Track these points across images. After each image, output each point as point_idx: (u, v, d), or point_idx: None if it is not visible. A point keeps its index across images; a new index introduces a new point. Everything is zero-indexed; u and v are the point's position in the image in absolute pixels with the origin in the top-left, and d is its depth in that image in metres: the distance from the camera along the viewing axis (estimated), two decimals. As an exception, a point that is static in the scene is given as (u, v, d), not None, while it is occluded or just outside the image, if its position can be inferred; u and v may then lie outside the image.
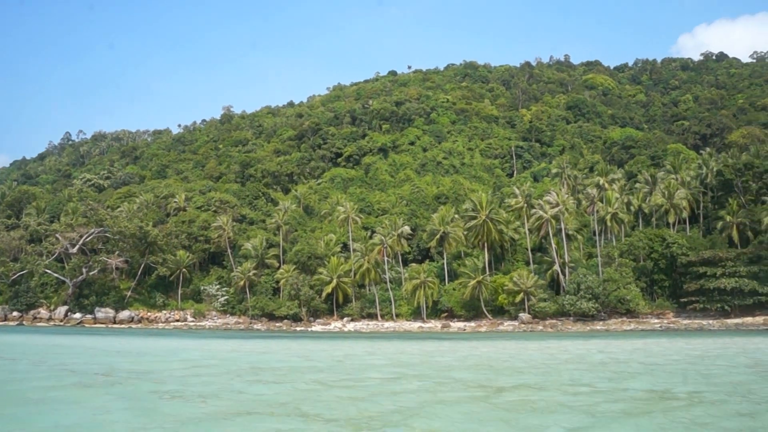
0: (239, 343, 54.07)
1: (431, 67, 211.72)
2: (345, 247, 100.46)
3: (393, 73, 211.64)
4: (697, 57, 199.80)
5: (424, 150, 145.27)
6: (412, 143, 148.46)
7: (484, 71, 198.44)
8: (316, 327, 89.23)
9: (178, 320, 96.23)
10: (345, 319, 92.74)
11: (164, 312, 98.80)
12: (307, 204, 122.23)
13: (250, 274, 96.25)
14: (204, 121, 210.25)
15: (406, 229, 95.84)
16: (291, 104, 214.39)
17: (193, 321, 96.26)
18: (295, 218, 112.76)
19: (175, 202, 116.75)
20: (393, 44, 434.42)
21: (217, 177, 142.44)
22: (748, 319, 68.10)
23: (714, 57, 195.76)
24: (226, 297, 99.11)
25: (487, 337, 62.59)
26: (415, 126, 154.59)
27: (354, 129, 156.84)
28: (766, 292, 68.30)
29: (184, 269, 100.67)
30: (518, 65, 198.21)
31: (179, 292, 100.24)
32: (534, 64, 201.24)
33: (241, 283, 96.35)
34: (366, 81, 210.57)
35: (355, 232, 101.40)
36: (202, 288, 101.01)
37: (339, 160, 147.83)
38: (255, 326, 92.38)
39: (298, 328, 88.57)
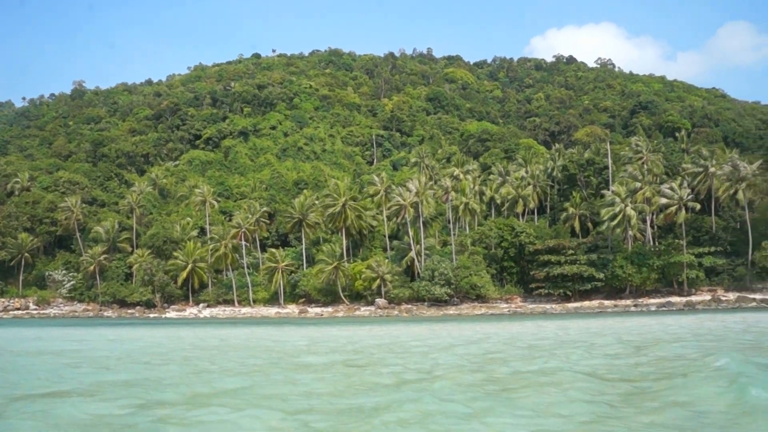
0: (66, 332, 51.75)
1: (296, 52, 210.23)
2: (202, 231, 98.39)
3: (257, 55, 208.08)
4: (549, 59, 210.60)
5: (286, 135, 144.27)
6: (273, 128, 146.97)
7: (348, 59, 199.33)
8: (171, 313, 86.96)
9: (18, 308, 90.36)
10: (201, 305, 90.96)
11: (1, 300, 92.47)
12: (163, 186, 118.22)
13: (101, 258, 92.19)
14: (53, 95, 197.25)
15: (265, 213, 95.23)
16: (149, 82, 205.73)
17: (36, 309, 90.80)
18: (150, 201, 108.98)
19: (17, 181, 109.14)
20: (258, 26, 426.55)
21: (66, 156, 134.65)
22: (586, 303, 73.25)
23: (564, 60, 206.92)
24: (73, 283, 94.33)
25: (347, 321, 63.49)
26: (278, 110, 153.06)
27: (214, 111, 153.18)
28: (601, 278, 73.67)
29: (26, 253, 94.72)
30: (382, 55, 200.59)
31: (20, 278, 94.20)
32: (398, 55, 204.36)
33: (91, 268, 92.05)
34: (229, 62, 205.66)
35: (212, 216, 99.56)
36: (46, 273, 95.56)
37: (198, 142, 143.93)
38: (105, 313, 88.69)
39: (151, 315, 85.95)
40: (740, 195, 73.85)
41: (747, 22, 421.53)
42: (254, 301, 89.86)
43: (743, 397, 11.03)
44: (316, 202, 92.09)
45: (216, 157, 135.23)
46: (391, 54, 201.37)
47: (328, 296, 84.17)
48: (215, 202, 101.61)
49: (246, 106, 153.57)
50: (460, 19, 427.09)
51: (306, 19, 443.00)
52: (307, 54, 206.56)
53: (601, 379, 14.55)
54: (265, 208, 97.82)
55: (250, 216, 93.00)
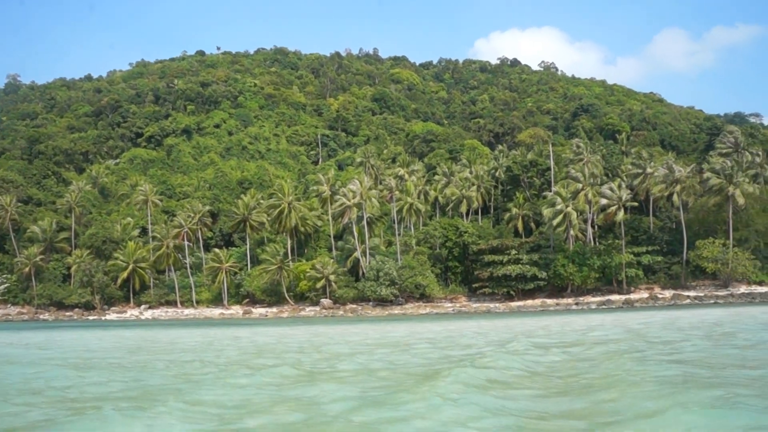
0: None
1: (241, 49, 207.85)
2: (144, 231, 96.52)
3: (201, 53, 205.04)
4: (494, 61, 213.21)
5: (230, 134, 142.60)
6: (217, 126, 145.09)
7: (294, 58, 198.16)
8: (111, 315, 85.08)
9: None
10: (142, 306, 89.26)
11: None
12: (103, 185, 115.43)
13: (37, 259, 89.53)
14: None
15: (209, 213, 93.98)
16: (89, 78, 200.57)
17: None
18: (89, 200, 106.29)
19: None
20: (202, 23, 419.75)
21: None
22: (529, 302, 74.40)
23: (509, 62, 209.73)
24: (7, 285, 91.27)
25: (293, 322, 63.06)
26: (222, 109, 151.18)
27: (157, 108, 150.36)
28: (544, 277, 74.96)
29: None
30: (328, 55, 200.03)
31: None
32: (344, 54, 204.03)
33: (26, 269, 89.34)
34: (172, 59, 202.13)
35: (154, 215, 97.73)
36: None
37: (140, 140, 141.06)
38: (41, 316, 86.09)
39: (90, 317, 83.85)
40: (675, 196, 76.05)
41: (681, 29, 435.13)
42: (197, 302, 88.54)
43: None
44: (261, 201, 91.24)
45: (158, 155, 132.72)
46: (337, 54, 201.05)
47: (273, 297, 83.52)
48: (158, 202, 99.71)
49: (189, 104, 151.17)
50: (406, 20, 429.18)
51: (251, 17, 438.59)
52: (252, 52, 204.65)
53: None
54: (208, 208, 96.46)
55: (193, 215, 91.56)
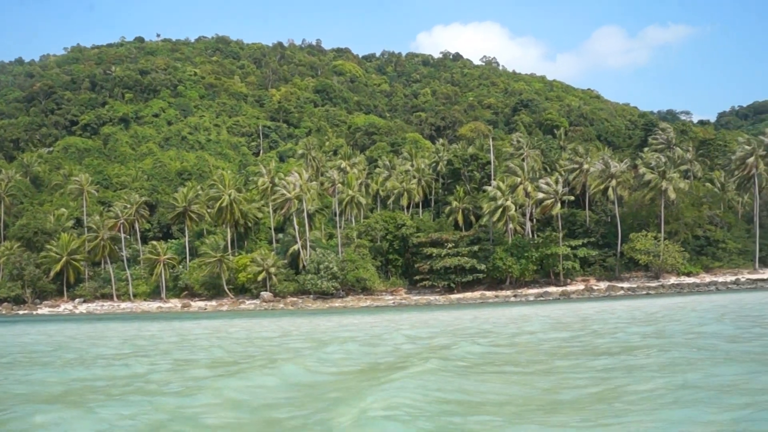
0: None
1: (181, 37, 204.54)
2: (78, 222, 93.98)
3: (140, 39, 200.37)
4: (436, 54, 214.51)
5: (169, 123, 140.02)
6: (156, 115, 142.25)
7: (236, 47, 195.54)
8: (43, 309, 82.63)
9: None
10: (77, 300, 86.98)
11: None
12: (35, 174, 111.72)
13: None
14: None
15: (146, 204, 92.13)
16: (20, 61, 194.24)
17: None
18: (20, 189, 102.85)
19: None
20: (141, 8, 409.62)
21: None
22: (468, 294, 75.27)
23: (451, 56, 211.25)
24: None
25: (233, 315, 62.41)
26: (161, 98, 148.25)
27: (93, 95, 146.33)
28: (483, 270, 75.93)
29: None
30: (271, 45, 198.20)
31: None
32: (287, 45, 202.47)
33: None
34: (110, 45, 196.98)
35: (90, 206, 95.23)
36: None
37: (75, 128, 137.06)
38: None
39: (21, 312, 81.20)
40: (611, 191, 78.03)
41: (618, 27, 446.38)
42: (134, 296, 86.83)
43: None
44: (201, 193, 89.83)
45: (94, 144, 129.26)
46: (280, 44, 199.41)
47: (212, 290, 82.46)
48: (93, 192, 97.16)
49: (127, 92, 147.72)
50: (349, 11, 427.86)
51: (193, 3, 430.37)
52: (193, 40, 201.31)
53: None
54: (146, 199, 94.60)
55: (130, 206, 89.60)
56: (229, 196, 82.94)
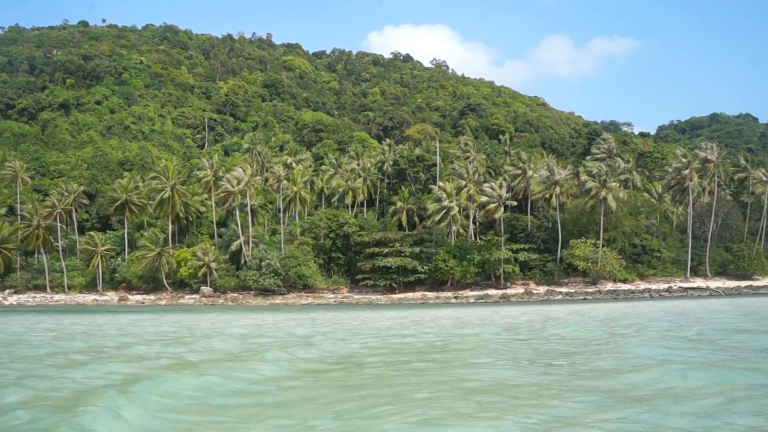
0: None
1: (128, 23, 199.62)
2: (11, 210, 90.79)
3: (84, 23, 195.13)
4: (387, 55, 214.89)
5: (112, 111, 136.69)
6: (98, 103, 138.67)
7: (184, 37, 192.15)
8: (-30, 299, 79.61)
9: None
10: (7, 291, 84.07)
11: None
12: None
13: None
14: None
15: (85, 194, 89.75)
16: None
17: None
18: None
19: None
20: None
21: None
22: (410, 294, 75.57)
23: (402, 57, 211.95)
24: None
25: (168, 309, 61.24)
26: (104, 85, 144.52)
27: (32, 79, 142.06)
28: (425, 270, 76.32)
29: None
30: (220, 36, 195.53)
31: None
32: (236, 37, 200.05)
33: None
34: (51, 27, 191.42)
35: (24, 194, 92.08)
36: None
37: (11, 112, 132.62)
38: None
39: (-55, 301, 78.16)
40: (553, 197, 79.42)
41: (566, 36, 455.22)
42: (69, 288, 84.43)
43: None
44: (142, 184, 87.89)
45: (32, 130, 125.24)
46: (230, 36, 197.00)
47: (151, 283, 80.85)
48: (28, 179, 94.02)
49: (69, 77, 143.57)
50: (301, 7, 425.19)
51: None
52: (140, 27, 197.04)
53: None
54: (84, 188, 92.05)
55: (68, 195, 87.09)
56: (171, 188, 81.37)
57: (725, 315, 30.04)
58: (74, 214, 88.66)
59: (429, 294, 75.47)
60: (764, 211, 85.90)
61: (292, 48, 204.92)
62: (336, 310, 56.29)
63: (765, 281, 77.85)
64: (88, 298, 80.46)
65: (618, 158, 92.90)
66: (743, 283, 76.09)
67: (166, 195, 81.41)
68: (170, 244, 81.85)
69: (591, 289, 73.65)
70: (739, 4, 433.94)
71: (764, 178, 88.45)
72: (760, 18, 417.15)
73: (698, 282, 77.25)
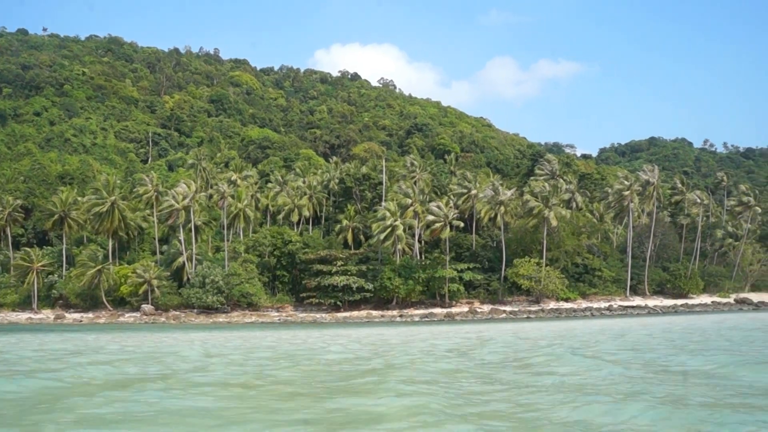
0: None
1: (70, 33, 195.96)
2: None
3: (23, 31, 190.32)
4: (335, 73, 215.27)
5: (52, 123, 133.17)
6: (37, 114, 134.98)
7: (129, 50, 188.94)
8: None
9: None
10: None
11: None
12: None
13: None
14: None
15: (21, 208, 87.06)
16: None
17: None
18: None
19: None
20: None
21: None
22: (355, 313, 75.27)
23: (349, 76, 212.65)
24: None
25: (108, 328, 59.57)
26: (44, 95, 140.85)
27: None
28: (370, 289, 76.21)
29: None
30: (166, 50, 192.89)
31: None
32: (183, 51, 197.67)
33: None
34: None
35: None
36: None
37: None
38: None
39: None
40: (499, 217, 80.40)
41: (512, 58, 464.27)
42: (1, 305, 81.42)
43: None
44: (81, 198, 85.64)
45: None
46: (176, 50, 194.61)
47: (89, 301, 78.60)
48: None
49: (6, 87, 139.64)
50: (249, 22, 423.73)
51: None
52: (83, 38, 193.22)
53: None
54: (21, 202, 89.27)
55: (2, 209, 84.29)
56: (112, 203, 79.41)
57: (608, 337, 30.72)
58: (8, 229, 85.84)
59: (374, 312, 75.31)
60: (698, 232, 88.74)
61: (240, 64, 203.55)
62: (262, 329, 55.55)
63: (699, 299, 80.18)
64: (22, 316, 77.80)
65: (561, 179, 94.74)
66: (679, 302, 78.24)
67: (107, 210, 79.42)
68: (110, 261, 79.82)
69: (534, 308, 74.61)
70: (675, 32, 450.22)
71: (698, 201, 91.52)
72: (696, 46, 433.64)
73: (637, 300, 79.13)
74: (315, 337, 37.29)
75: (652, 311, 71.58)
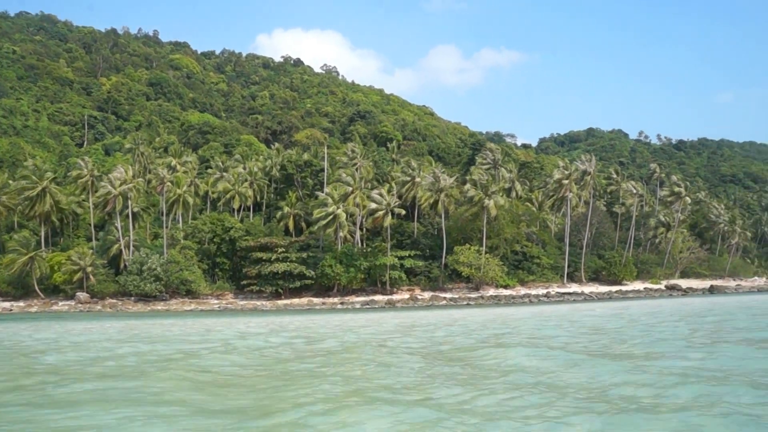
0: None
1: (0, 9, 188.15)
2: None
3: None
4: (277, 58, 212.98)
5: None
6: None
7: (63, 28, 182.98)
8: None
9: None
10: None
11: None
12: None
13: None
14: None
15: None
16: None
17: None
18: None
19: None
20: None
21: None
22: (296, 300, 74.96)
23: (292, 61, 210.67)
24: None
25: (40, 317, 57.98)
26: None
27: None
28: (311, 276, 76.03)
29: None
30: (103, 30, 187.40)
31: None
32: (120, 32, 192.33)
33: None
34: None
35: None
36: None
37: None
38: None
39: None
40: (439, 204, 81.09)
41: (455, 46, 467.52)
42: (-76, 293, 78.24)
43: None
44: (11, 183, 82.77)
45: None
46: (113, 30, 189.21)
47: (20, 289, 76.21)
48: None
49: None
50: (190, 4, 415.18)
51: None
52: (13, 14, 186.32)
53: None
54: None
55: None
56: (44, 187, 76.97)
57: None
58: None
59: (315, 300, 75.18)
60: (632, 221, 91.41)
61: (180, 47, 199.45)
62: (199, 317, 55.03)
63: (632, 286, 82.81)
64: (-53, 305, 74.95)
65: (502, 168, 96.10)
66: (614, 288, 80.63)
67: (38, 195, 77.00)
68: (43, 248, 77.51)
69: (474, 295, 75.64)
70: (615, 25, 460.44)
71: (633, 191, 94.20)
72: (632, 42, 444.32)
73: (574, 287, 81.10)
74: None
75: (588, 297, 73.45)
